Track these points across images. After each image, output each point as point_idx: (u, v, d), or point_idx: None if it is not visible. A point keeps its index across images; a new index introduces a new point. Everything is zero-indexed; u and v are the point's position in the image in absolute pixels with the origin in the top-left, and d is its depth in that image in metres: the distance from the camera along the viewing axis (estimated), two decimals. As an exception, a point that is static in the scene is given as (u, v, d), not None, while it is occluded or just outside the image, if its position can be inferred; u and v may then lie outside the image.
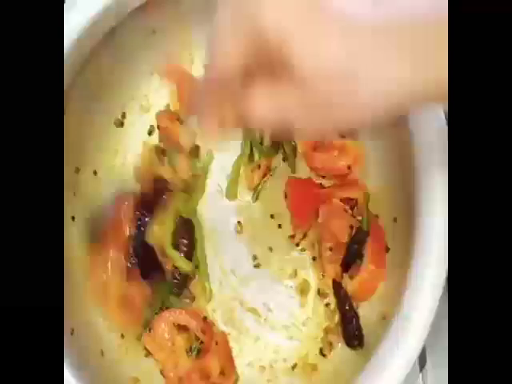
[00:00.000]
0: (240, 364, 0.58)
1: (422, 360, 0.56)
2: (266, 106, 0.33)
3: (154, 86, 0.63)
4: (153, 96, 0.63)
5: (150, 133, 0.63)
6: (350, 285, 0.58)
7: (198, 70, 0.64)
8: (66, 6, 0.51)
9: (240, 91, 0.33)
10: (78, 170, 0.59)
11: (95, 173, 0.60)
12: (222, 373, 0.56)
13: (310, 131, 0.34)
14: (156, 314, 0.58)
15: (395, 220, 0.56)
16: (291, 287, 0.60)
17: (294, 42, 0.30)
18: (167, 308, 0.58)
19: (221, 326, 0.59)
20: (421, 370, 0.56)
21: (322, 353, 0.58)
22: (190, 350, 0.57)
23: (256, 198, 0.61)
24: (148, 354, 0.58)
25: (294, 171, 0.61)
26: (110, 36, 0.56)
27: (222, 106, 0.35)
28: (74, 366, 0.47)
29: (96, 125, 0.60)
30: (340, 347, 0.57)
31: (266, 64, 0.32)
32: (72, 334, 0.53)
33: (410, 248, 0.50)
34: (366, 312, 0.57)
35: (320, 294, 0.59)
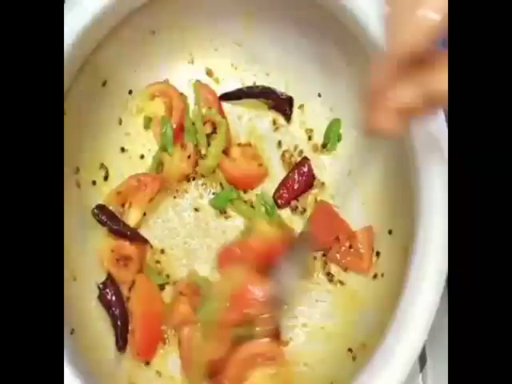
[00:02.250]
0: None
1: (422, 360, 0.56)
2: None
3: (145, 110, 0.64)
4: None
5: (145, 126, 0.64)
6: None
7: (197, 70, 0.64)
8: (66, 6, 0.51)
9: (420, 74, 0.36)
10: (77, 170, 0.59)
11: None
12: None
13: None
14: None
15: (394, 221, 0.57)
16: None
17: None
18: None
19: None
20: (421, 369, 0.56)
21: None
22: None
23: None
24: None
25: None
26: (110, 36, 0.56)
27: (402, 94, 0.37)
28: (74, 366, 0.47)
29: (96, 125, 0.60)
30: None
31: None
32: (72, 333, 0.53)
33: (409, 248, 0.50)
34: (366, 312, 0.57)
35: None
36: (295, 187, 0.62)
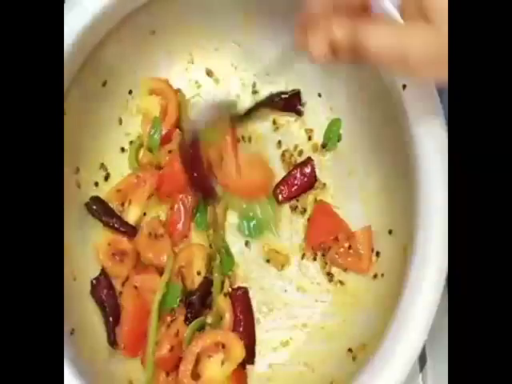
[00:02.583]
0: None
1: (422, 360, 0.56)
2: (390, 38, 0.35)
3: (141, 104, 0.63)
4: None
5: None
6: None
7: (197, 70, 0.64)
8: (66, 6, 0.51)
9: (358, 21, 0.36)
10: (77, 170, 0.59)
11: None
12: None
13: (426, 73, 0.37)
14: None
15: (394, 221, 0.56)
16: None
17: None
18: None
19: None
20: (421, 369, 0.56)
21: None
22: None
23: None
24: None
25: None
26: (110, 36, 0.56)
27: (335, 30, 0.37)
28: (74, 366, 0.47)
29: (96, 125, 0.60)
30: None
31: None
32: (72, 333, 0.53)
33: (409, 248, 0.50)
34: (366, 312, 0.57)
35: None
36: (295, 185, 0.62)
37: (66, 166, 0.57)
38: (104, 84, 0.60)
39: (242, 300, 0.59)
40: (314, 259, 0.61)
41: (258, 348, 0.59)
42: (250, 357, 0.58)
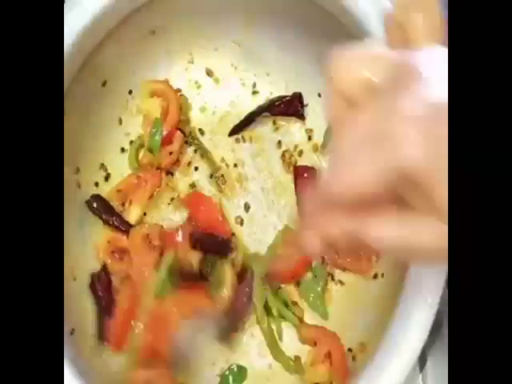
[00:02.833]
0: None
1: (422, 360, 0.56)
2: (393, 231, 0.32)
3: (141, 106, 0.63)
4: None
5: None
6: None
7: (197, 70, 0.64)
8: (66, 6, 0.51)
9: (361, 214, 0.33)
10: (77, 170, 0.59)
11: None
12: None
13: (432, 261, 0.35)
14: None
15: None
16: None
17: (438, 182, 0.30)
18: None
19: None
20: (421, 370, 0.56)
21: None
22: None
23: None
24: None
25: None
26: (110, 36, 0.56)
27: (329, 225, 0.34)
28: (74, 366, 0.47)
29: (96, 125, 0.60)
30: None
31: (392, 194, 0.32)
32: (72, 333, 0.53)
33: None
34: (366, 312, 0.57)
35: None
36: None
37: (66, 166, 0.57)
38: (104, 84, 0.60)
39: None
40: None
41: (257, 348, 0.59)
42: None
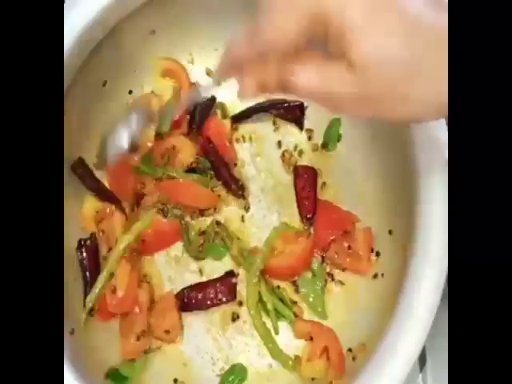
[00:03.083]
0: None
1: (421, 360, 0.56)
2: (315, 78, 0.35)
3: (153, 85, 0.63)
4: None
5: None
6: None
7: (197, 70, 0.64)
8: (66, 5, 0.51)
9: (286, 61, 0.36)
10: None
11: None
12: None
13: (350, 111, 0.37)
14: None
15: (394, 221, 0.57)
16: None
17: (358, 32, 0.33)
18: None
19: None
20: (421, 370, 0.56)
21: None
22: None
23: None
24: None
25: None
26: (110, 36, 0.56)
27: (263, 72, 0.37)
28: (74, 366, 0.47)
29: (96, 124, 0.60)
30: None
31: (316, 42, 0.35)
32: (72, 333, 0.53)
33: (409, 248, 0.50)
34: (366, 312, 0.57)
35: None
36: None
37: (66, 166, 0.57)
38: (104, 84, 0.60)
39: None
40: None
41: (257, 348, 0.59)
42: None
